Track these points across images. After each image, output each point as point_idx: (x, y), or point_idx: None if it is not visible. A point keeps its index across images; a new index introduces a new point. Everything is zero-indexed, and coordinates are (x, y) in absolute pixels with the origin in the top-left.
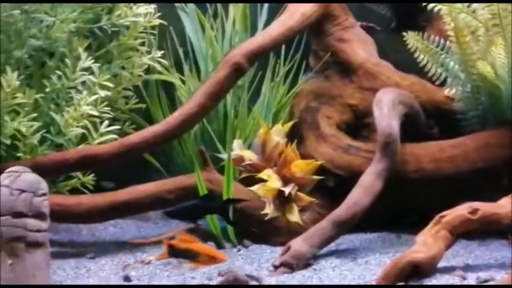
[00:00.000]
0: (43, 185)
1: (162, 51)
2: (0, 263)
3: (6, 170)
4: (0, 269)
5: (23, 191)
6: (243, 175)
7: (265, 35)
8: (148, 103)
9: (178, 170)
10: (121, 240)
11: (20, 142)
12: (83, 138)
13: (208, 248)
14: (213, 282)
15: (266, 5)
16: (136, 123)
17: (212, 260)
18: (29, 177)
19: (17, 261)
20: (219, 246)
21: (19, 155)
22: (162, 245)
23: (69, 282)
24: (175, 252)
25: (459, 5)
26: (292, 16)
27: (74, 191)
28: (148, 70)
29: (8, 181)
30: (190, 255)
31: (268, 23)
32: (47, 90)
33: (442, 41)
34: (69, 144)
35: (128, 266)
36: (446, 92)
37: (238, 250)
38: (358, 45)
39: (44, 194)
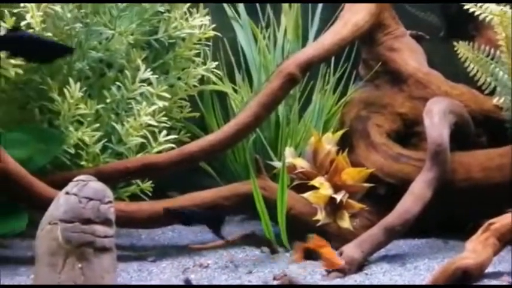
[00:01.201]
0: (108, 193)
1: (217, 62)
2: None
3: (74, 179)
4: (72, 273)
5: (91, 199)
6: (295, 182)
7: (318, 45)
8: (204, 112)
9: (232, 177)
10: (179, 244)
11: (83, 151)
12: (142, 147)
13: (333, 252)
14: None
15: (318, 15)
16: (191, 132)
17: (332, 264)
18: (96, 186)
19: (86, 265)
20: (272, 251)
21: (82, 163)
22: (222, 249)
23: (133, 284)
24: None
25: (510, 14)
26: (345, 26)
27: (133, 197)
28: (203, 80)
29: (76, 189)
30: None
31: (318, 33)
32: (108, 100)
33: (491, 50)
34: (129, 153)
35: (188, 270)
36: (495, 101)
37: (291, 255)
38: (409, 55)
39: (109, 202)
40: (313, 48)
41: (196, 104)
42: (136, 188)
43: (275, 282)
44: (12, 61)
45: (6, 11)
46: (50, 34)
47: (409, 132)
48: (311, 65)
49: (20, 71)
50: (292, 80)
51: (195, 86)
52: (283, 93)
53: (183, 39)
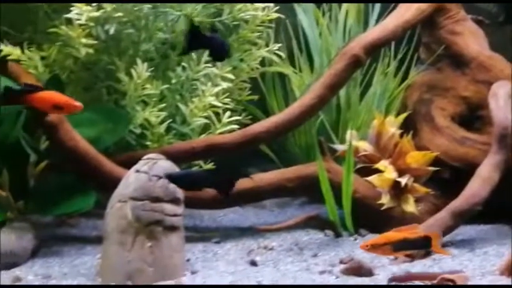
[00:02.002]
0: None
1: (279, 44)
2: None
3: (143, 157)
4: (142, 251)
5: (160, 177)
6: (358, 166)
7: (382, 28)
8: (265, 94)
9: (292, 160)
10: (242, 226)
11: (148, 131)
12: (205, 129)
13: None
14: (336, 269)
15: None
16: (252, 114)
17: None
18: (165, 164)
19: (155, 244)
20: (337, 234)
21: (147, 143)
22: (286, 232)
23: (199, 264)
24: None
25: None
26: (409, 9)
27: None
28: (264, 62)
29: (146, 168)
30: None
31: (379, 16)
32: (173, 81)
33: None
34: (193, 134)
35: (252, 251)
36: None
37: (355, 239)
38: (471, 38)
39: None
40: (378, 30)
41: (257, 87)
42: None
43: (342, 266)
44: (84, 40)
45: None
46: (120, 14)
47: (472, 116)
48: (375, 47)
49: (91, 51)
50: (356, 62)
51: (257, 68)
52: (348, 75)
53: (246, 21)
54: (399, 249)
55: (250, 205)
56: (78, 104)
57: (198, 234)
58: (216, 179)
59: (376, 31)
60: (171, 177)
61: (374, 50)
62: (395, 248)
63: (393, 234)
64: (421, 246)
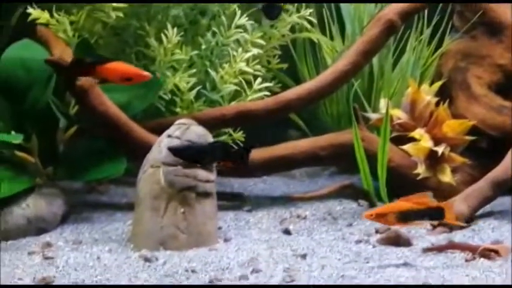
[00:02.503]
0: (209, 137)
1: (311, 9)
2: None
3: (175, 122)
4: (175, 217)
5: (193, 143)
6: (392, 134)
7: None
8: (296, 61)
9: (322, 129)
10: (272, 195)
11: (177, 98)
12: (234, 96)
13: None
14: (372, 239)
15: None
16: (282, 82)
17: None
18: (197, 129)
19: (188, 210)
20: (371, 204)
21: (177, 110)
22: (318, 201)
23: (232, 232)
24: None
25: None
26: None
27: None
28: (294, 29)
29: (179, 132)
30: None
31: None
32: (203, 47)
33: None
34: (223, 101)
35: (285, 220)
36: None
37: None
38: (507, 6)
39: None
40: None
41: (287, 54)
42: (228, 138)
43: (378, 236)
44: (114, 4)
45: None
46: None
47: (509, 84)
48: (410, 14)
49: (121, 15)
50: (391, 28)
51: (288, 34)
52: (382, 41)
53: None
54: (406, 219)
55: (280, 175)
56: (146, 73)
57: (228, 203)
58: (224, 152)
59: None
60: (174, 150)
61: (409, 16)
62: (401, 218)
63: (400, 204)
64: (432, 217)
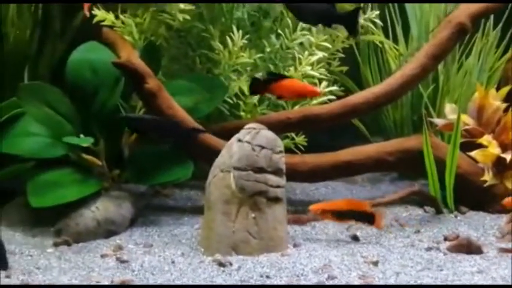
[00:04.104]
0: (279, 142)
1: (377, 12)
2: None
3: (245, 127)
4: (246, 222)
5: (263, 147)
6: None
7: None
8: (360, 64)
9: (384, 134)
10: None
11: (241, 101)
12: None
13: None
14: (441, 246)
15: None
16: (345, 85)
17: None
18: (268, 134)
19: (259, 215)
20: (437, 210)
21: (241, 114)
22: (384, 208)
23: (299, 237)
24: None
25: None
26: None
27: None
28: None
29: (249, 137)
30: None
31: None
32: (267, 50)
33: None
34: (287, 104)
35: (352, 226)
36: None
37: (455, 216)
38: None
39: (281, 151)
40: None
41: (349, 57)
42: (289, 142)
43: (447, 243)
44: (182, 5)
45: None
46: None
47: None
48: (482, 16)
49: (188, 17)
50: (462, 31)
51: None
52: (452, 44)
53: None
54: (341, 217)
55: (341, 180)
56: (319, 90)
57: (292, 208)
58: (175, 129)
59: None
60: (126, 120)
61: (480, 19)
62: (338, 216)
63: (340, 204)
64: (363, 220)
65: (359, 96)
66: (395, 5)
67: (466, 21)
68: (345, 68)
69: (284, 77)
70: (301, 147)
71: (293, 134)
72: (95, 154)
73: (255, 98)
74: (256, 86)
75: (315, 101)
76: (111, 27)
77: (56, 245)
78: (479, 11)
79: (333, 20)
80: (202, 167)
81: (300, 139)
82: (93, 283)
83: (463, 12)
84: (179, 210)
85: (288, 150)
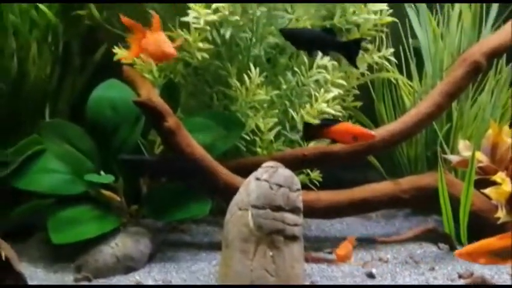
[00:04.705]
0: (296, 180)
1: (392, 49)
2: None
3: (263, 165)
4: (264, 260)
5: (281, 186)
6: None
7: (504, 34)
8: (375, 100)
9: (399, 170)
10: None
11: (257, 137)
12: None
13: None
14: (456, 284)
15: (496, 2)
16: (359, 121)
17: None
18: (285, 173)
19: (276, 253)
20: (451, 247)
21: (257, 150)
22: (399, 244)
23: (316, 275)
24: None
25: None
26: None
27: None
28: (371, 68)
29: (267, 175)
30: None
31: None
32: (284, 87)
33: None
34: (302, 141)
35: (367, 263)
36: None
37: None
38: None
39: (298, 189)
40: (499, 36)
41: (363, 93)
42: (305, 178)
43: (461, 281)
44: (201, 45)
45: None
46: (237, 18)
47: None
48: (497, 54)
49: (206, 56)
50: (477, 69)
51: (367, 74)
52: (467, 83)
53: (358, 25)
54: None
55: (356, 216)
56: (372, 133)
57: (308, 244)
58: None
59: (497, 37)
60: (127, 163)
61: (495, 57)
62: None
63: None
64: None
65: None
66: (410, 42)
67: (481, 60)
68: (359, 104)
69: (337, 121)
70: (317, 183)
71: (308, 170)
72: (114, 190)
73: (271, 134)
74: (310, 132)
75: None
76: (131, 65)
77: (76, 281)
78: (493, 49)
79: (331, 47)
80: (218, 202)
81: (315, 174)
82: None
83: (477, 51)
84: (196, 246)
85: (303, 186)
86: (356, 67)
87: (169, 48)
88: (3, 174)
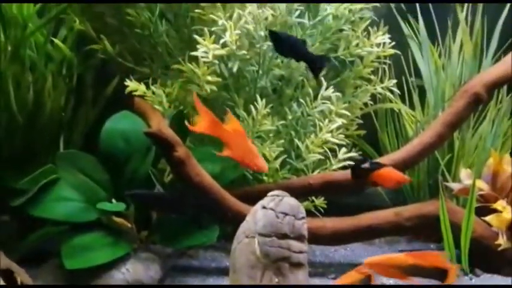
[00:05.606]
0: (302, 209)
1: (395, 80)
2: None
3: (269, 194)
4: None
5: (287, 214)
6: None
7: (504, 65)
8: (378, 130)
9: (401, 198)
10: (354, 262)
11: None
12: (318, 164)
13: None
14: None
15: (497, 34)
16: (363, 150)
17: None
18: (291, 201)
19: (282, 280)
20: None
21: (264, 178)
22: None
23: None
24: None
25: None
26: None
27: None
28: (375, 98)
29: (273, 204)
30: None
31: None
32: (290, 117)
33: None
34: (308, 169)
35: None
36: None
37: (470, 278)
38: None
39: (303, 217)
40: (500, 68)
41: (366, 122)
42: (309, 204)
43: None
44: (209, 78)
45: (206, 29)
46: (244, 52)
47: None
48: (497, 86)
49: (215, 88)
50: (478, 100)
51: (370, 104)
52: (468, 113)
53: (361, 57)
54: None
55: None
56: (408, 178)
57: (312, 269)
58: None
59: (497, 69)
60: (137, 197)
61: (496, 88)
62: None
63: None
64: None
65: None
66: (413, 73)
67: (482, 91)
68: (362, 132)
69: (382, 165)
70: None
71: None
72: (125, 217)
73: (277, 163)
74: (359, 172)
75: (335, 166)
76: (142, 97)
77: None
78: (494, 80)
79: (301, 56)
80: (224, 228)
81: (320, 201)
82: None
83: (478, 82)
84: (204, 272)
85: (308, 212)
86: (318, 80)
87: (263, 163)
88: (20, 202)
